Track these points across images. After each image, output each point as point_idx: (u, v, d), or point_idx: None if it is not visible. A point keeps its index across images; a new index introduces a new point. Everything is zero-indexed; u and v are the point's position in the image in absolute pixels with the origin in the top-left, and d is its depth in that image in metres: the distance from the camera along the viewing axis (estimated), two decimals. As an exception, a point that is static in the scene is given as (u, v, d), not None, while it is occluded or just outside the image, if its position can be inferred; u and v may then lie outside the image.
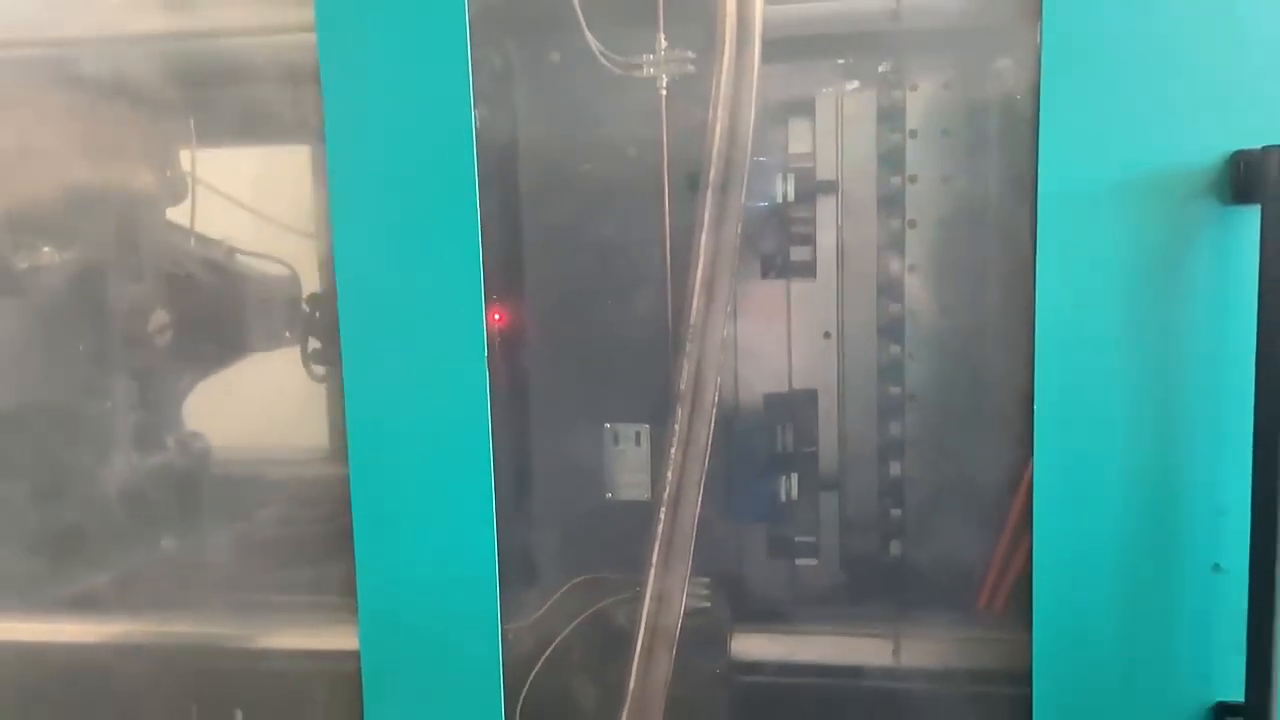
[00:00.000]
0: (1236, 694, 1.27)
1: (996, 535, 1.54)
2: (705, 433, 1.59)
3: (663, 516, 1.59)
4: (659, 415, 1.63)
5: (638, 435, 1.70)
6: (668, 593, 1.59)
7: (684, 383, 1.59)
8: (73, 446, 1.92)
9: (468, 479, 1.44)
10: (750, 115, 1.57)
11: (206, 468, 2.00)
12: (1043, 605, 1.34)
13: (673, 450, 1.59)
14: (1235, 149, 1.23)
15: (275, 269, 1.96)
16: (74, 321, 1.91)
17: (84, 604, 1.84)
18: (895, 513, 1.80)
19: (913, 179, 1.76)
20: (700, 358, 1.58)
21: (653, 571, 1.59)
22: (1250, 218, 1.21)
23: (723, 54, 1.56)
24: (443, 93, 1.39)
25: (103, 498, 1.91)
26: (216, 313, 1.97)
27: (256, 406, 2.01)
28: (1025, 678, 1.36)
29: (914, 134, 1.76)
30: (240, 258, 2.00)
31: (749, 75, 1.56)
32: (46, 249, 1.94)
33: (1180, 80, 1.25)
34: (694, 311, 1.58)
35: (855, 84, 1.78)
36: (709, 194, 1.58)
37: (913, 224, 1.77)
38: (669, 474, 1.59)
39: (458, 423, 1.43)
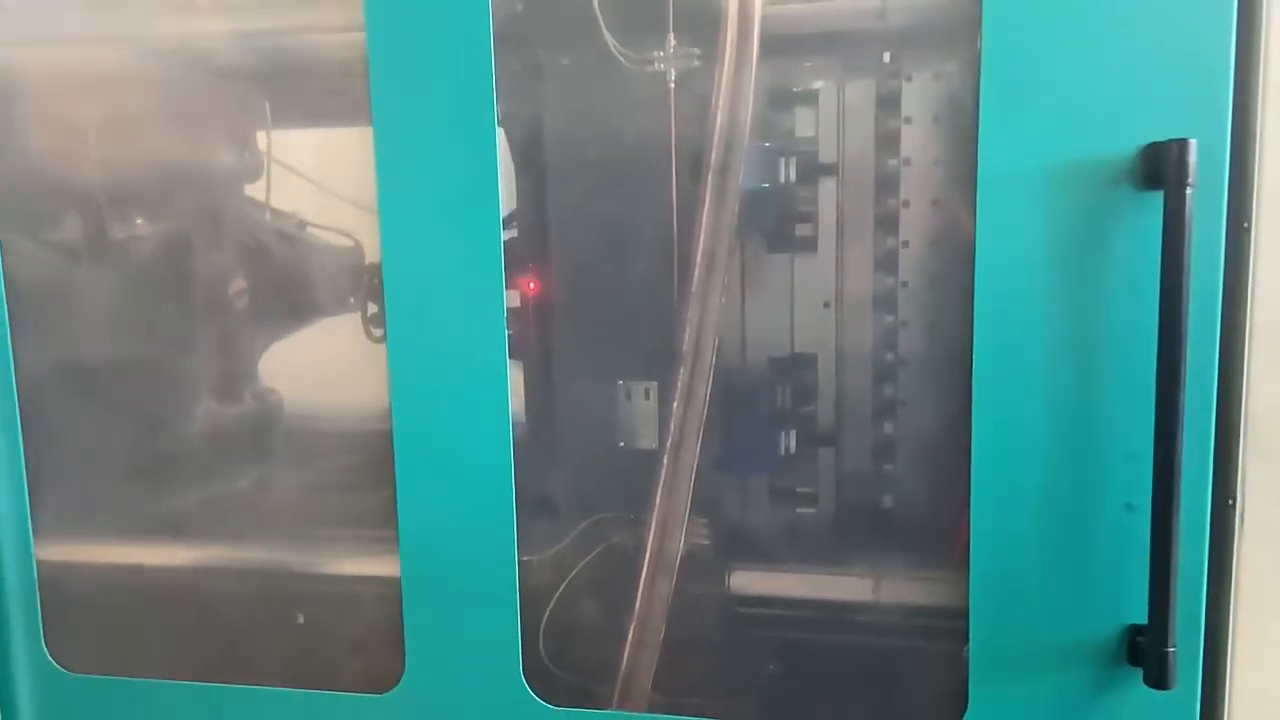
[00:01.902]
0: (1144, 617, 1.45)
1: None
2: (704, 389, 1.80)
3: (665, 462, 1.81)
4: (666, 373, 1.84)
5: (646, 391, 1.92)
6: (669, 529, 1.82)
7: (686, 344, 1.80)
8: (164, 395, 2.19)
9: (490, 426, 1.65)
10: (749, 104, 1.76)
11: (278, 418, 2.27)
12: (979, 542, 1.52)
13: (675, 404, 1.81)
14: (1149, 141, 1.40)
15: (340, 240, 2.19)
16: (164, 285, 2.16)
17: (171, 530, 2.11)
18: (887, 468, 1.99)
19: (907, 162, 1.95)
20: (700, 322, 1.79)
21: (656, 510, 1.81)
22: (1157, 203, 1.38)
23: (724, 50, 1.76)
24: (471, 88, 1.60)
25: (189, 440, 2.18)
26: (288, 280, 2.22)
27: (323, 364, 2.23)
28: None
29: (909, 120, 1.95)
30: (309, 230, 2.25)
31: (748, 68, 1.75)
32: (140, 220, 2.20)
33: (1104, 76, 1.39)
34: (695, 281, 1.79)
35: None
36: (710, 176, 1.78)
37: (907, 204, 1.96)
38: (671, 425, 1.81)
39: (482, 378, 1.64)
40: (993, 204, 1.45)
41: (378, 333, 2.09)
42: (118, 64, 2.07)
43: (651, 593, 1.81)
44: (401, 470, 1.70)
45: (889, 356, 1.99)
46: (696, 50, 1.83)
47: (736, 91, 1.75)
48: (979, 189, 1.46)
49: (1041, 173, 1.43)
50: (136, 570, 2.10)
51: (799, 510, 2.05)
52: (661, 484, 1.80)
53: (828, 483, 2.05)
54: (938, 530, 1.79)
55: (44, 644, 1.93)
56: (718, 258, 1.80)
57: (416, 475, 1.70)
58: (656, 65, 1.85)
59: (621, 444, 1.94)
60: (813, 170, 1.97)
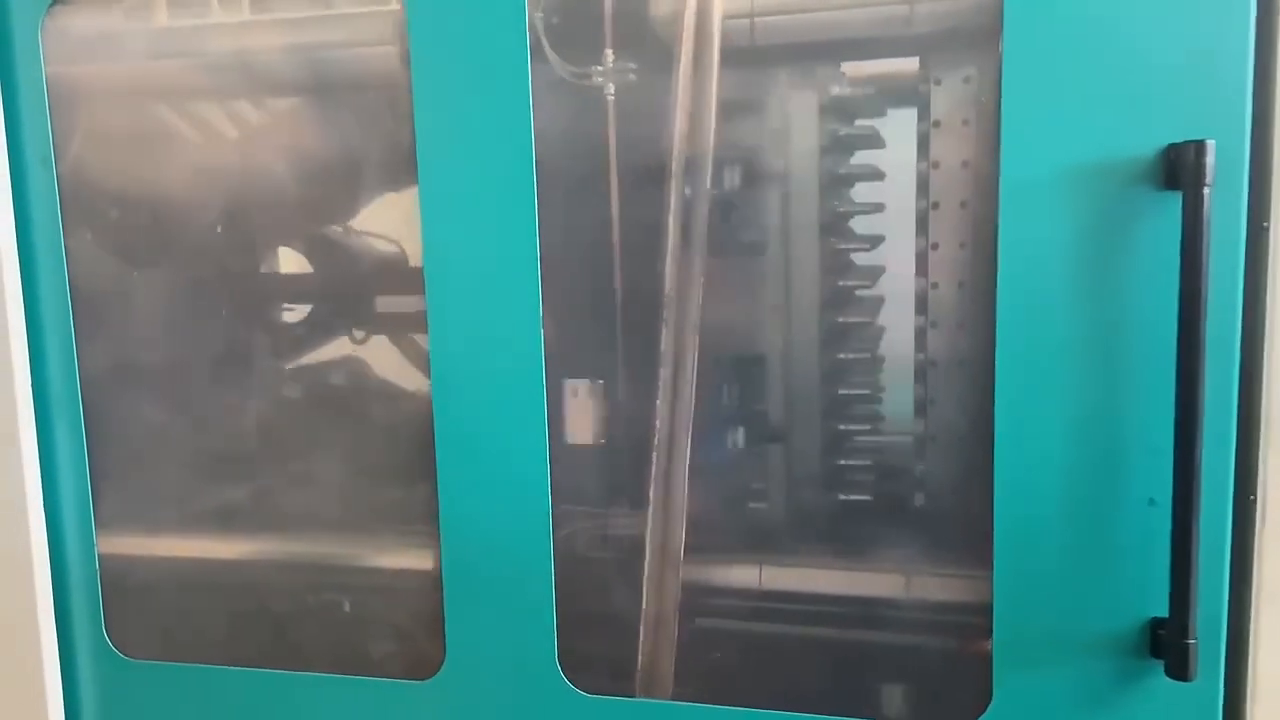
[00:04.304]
0: (1166, 610, 1.46)
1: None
2: (689, 388, 1.84)
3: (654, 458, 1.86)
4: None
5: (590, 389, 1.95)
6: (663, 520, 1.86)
7: (664, 344, 1.83)
8: (219, 393, 2.27)
9: (527, 421, 1.72)
10: (711, 114, 1.80)
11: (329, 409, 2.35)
12: (1003, 537, 1.55)
13: (659, 402, 1.84)
14: (1168, 142, 1.42)
15: (384, 245, 2.28)
16: (223, 286, 2.25)
17: (224, 522, 2.19)
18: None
19: (935, 165, 1.99)
20: (677, 323, 1.83)
21: (651, 505, 1.86)
22: (1176, 203, 1.40)
23: (679, 61, 1.79)
24: (507, 103, 1.66)
25: (244, 436, 2.26)
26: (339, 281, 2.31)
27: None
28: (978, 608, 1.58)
29: (937, 124, 1.98)
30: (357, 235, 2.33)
31: (708, 78, 1.78)
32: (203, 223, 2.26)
33: (1123, 77, 1.42)
34: (668, 280, 1.83)
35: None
36: (673, 183, 1.82)
37: (936, 205, 1.99)
38: (657, 423, 1.85)
39: (519, 375, 1.70)
40: (1015, 205, 1.49)
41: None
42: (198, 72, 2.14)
43: (660, 586, 1.85)
44: (442, 465, 1.77)
45: (920, 356, 2.02)
46: (633, 65, 1.88)
47: (698, 99, 1.79)
48: (1002, 191, 1.49)
49: (1062, 174, 1.46)
50: (193, 561, 2.18)
51: (831, 502, 2.09)
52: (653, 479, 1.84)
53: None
54: (962, 526, 1.83)
55: (105, 631, 2.02)
56: (689, 261, 1.82)
57: (456, 470, 1.77)
58: (595, 79, 1.89)
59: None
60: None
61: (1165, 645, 1.48)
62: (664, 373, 1.84)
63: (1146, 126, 1.43)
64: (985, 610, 1.60)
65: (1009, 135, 1.48)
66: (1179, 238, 1.40)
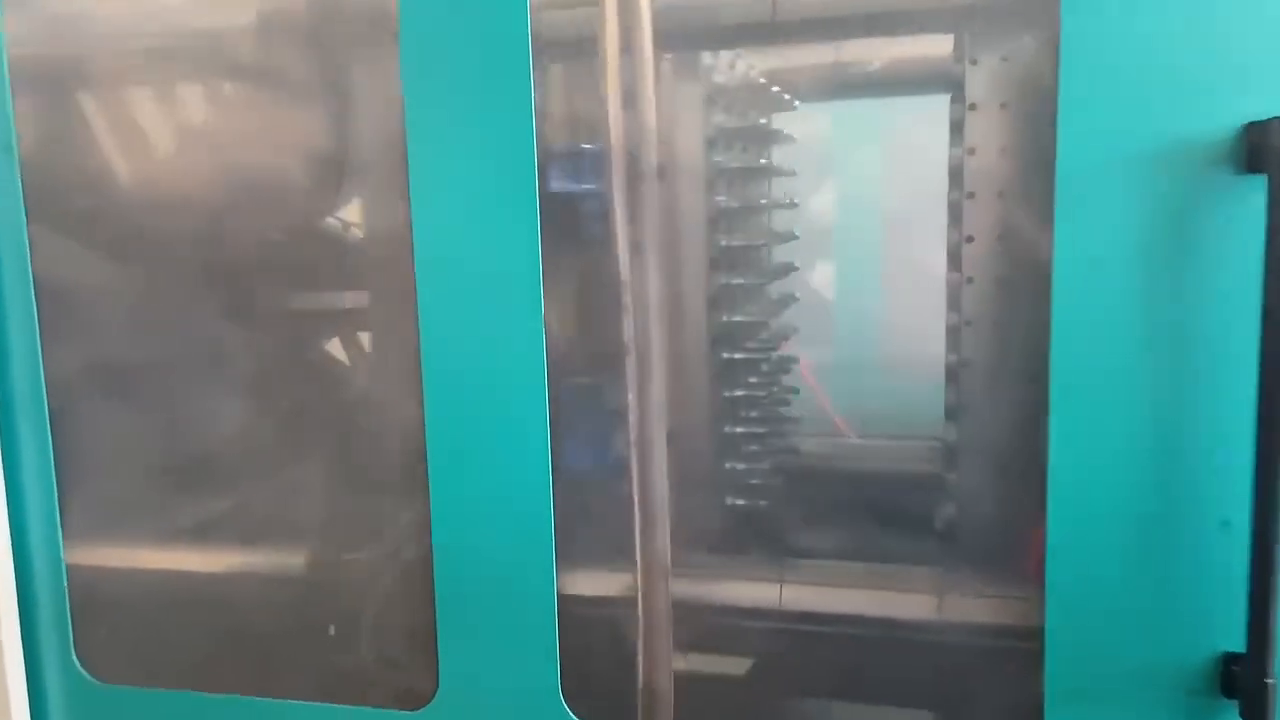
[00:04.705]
0: (1241, 644, 1.32)
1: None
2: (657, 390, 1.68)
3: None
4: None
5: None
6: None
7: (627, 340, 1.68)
8: (194, 398, 2.12)
9: (527, 440, 1.56)
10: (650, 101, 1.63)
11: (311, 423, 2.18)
12: (1057, 558, 1.40)
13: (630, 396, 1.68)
14: (1248, 120, 1.27)
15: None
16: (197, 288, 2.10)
17: (201, 535, 2.04)
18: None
19: (971, 151, 1.83)
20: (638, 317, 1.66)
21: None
22: (1260, 186, 1.25)
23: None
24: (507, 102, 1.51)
25: (221, 444, 2.11)
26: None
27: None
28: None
29: (973, 107, 1.83)
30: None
31: (644, 64, 1.62)
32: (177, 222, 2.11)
33: (1196, 51, 1.28)
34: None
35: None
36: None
37: (971, 195, 1.84)
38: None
39: (518, 390, 1.55)
40: (1073, 193, 1.34)
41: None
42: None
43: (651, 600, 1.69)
44: (435, 482, 1.61)
45: (952, 358, 1.87)
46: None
47: (633, 86, 1.62)
48: (1058, 177, 1.34)
49: (1127, 157, 1.32)
50: (168, 576, 2.04)
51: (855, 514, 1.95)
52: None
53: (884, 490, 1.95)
54: (1006, 543, 1.68)
55: (74, 652, 1.88)
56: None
57: (450, 487, 1.62)
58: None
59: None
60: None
61: (1240, 684, 1.33)
62: (630, 362, 1.67)
63: (1223, 102, 1.28)
64: (1032, 636, 1.45)
65: (1067, 116, 1.33)
66: (1260, 225, 1.25)
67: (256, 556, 1.99)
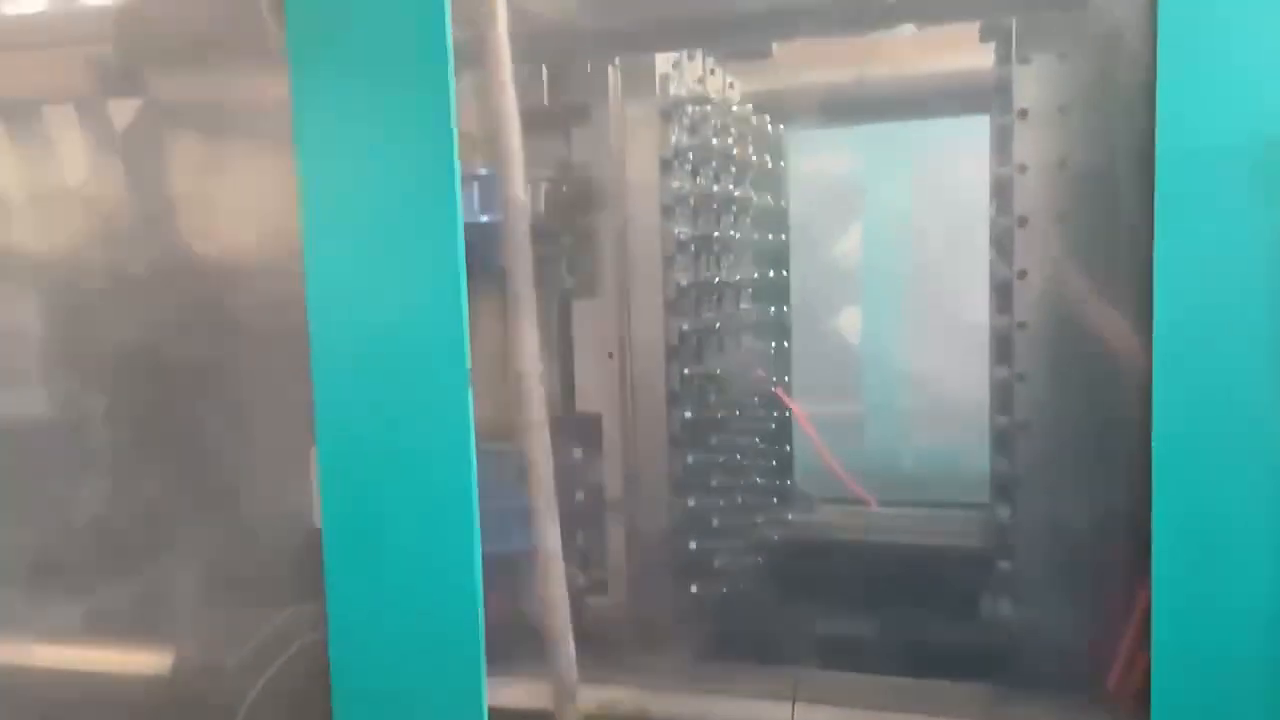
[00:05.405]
0: None
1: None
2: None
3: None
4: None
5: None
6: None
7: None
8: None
9: (448, 519, 1.21)
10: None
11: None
12: (1164, 677, 1.05)
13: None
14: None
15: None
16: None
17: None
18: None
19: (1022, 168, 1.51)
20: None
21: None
22: None
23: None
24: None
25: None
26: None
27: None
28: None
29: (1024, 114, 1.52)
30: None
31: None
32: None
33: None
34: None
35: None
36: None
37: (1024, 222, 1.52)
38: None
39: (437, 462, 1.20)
40: (1178, 193, 1.01)
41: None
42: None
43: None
44: (333, 580, 1.25)
45: (1003, 420, 1.55)
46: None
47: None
48: (1159, 176, 1.01)
49: (1242, 148, 0.99)
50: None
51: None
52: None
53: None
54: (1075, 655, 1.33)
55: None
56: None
57: (351, 585, 1.25)
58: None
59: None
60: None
61: None
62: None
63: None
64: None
65: (1166, 103, 1.01)
66: None
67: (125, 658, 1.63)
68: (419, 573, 1.19)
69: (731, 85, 1.94)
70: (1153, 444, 1.03)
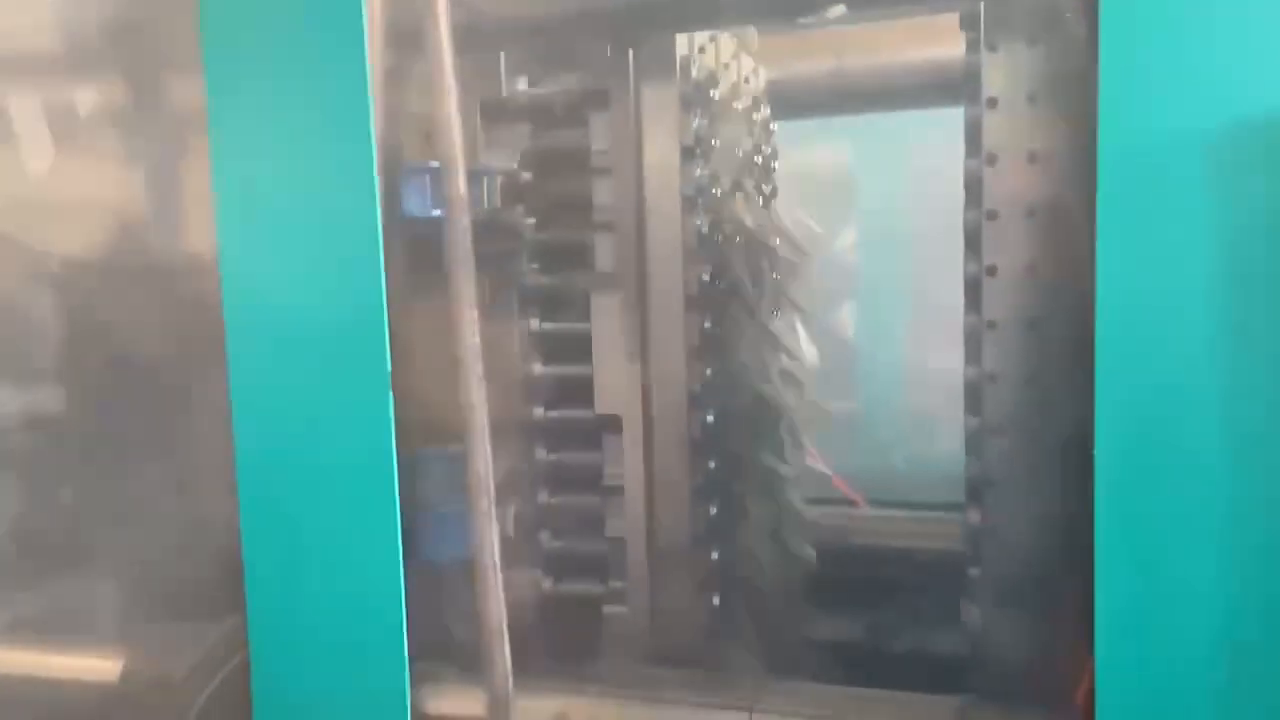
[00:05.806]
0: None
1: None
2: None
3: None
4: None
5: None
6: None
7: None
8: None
9: (369, 526, 1.17)
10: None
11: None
12: (1110, 697, 1.00)
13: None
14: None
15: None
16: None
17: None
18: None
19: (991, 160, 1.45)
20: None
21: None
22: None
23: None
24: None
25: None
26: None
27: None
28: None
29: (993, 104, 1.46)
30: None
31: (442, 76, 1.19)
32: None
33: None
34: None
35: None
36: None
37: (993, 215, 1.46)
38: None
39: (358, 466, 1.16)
40: (1119, 196, 0.95)
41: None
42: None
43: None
44: (253, 591, 1.22)
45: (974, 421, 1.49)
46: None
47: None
48: (1100, 178, 0.96)
49: (1186, 141, 0.93)
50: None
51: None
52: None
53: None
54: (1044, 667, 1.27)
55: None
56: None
57: (272, 596, 1.22)
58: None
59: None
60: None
61: None
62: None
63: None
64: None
65: (1108, 98, 0.96)
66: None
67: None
68: (340, 580, 1.16)
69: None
70: (1095, 449, 0.97)
